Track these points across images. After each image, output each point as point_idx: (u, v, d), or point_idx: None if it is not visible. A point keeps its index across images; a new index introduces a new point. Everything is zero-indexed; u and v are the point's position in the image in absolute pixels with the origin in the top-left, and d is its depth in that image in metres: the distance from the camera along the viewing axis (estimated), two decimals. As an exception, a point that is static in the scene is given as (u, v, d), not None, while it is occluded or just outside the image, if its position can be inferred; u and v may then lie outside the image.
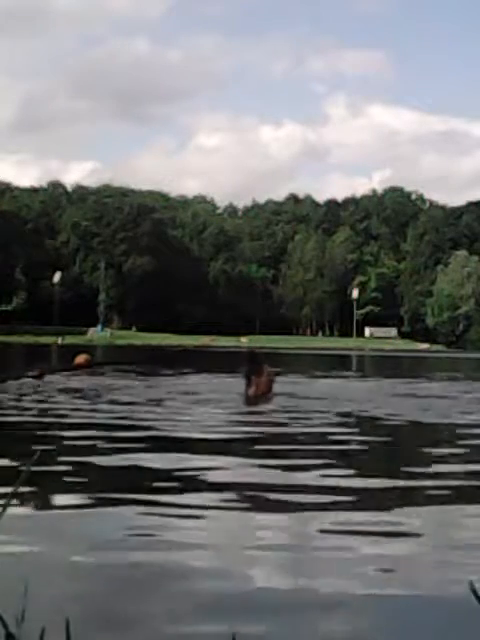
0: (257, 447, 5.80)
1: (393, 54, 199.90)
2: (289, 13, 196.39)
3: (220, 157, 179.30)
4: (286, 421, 7.40)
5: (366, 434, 6.71)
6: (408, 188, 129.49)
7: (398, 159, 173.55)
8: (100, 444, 5.61)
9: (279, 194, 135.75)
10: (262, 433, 6.64)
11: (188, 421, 7.17)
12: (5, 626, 1.47)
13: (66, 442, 5.76)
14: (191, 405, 8.82)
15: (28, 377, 12.35)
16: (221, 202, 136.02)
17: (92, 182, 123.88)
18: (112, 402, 8.91)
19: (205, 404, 8.92)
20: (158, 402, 9.02)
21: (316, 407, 8.77)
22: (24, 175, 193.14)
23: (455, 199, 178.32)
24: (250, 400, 9.45)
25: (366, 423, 7.67)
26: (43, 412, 7.56)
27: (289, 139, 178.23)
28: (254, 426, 7.05)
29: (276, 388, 10.25)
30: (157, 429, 6.49)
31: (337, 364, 30.66)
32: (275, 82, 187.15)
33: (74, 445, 5.62)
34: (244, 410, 8.68)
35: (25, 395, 9.41)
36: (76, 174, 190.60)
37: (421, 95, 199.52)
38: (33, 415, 7.27)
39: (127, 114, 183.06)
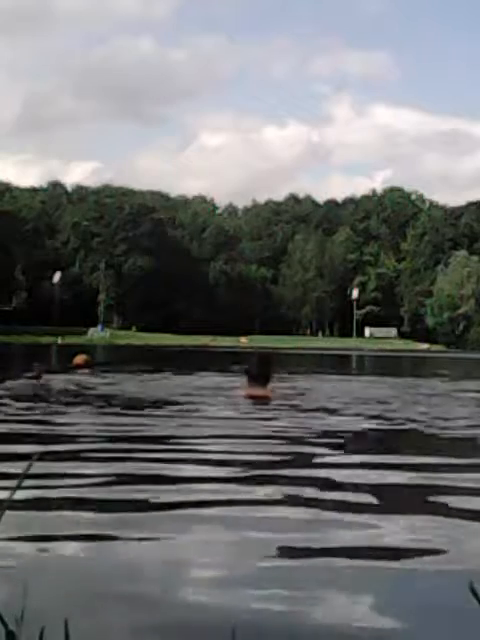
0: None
1: (397, 55, 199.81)
2: (293, 13, 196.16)
3: (224, 157, 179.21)
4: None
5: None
6: (409, 188, 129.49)
7: (401, 159, 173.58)
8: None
9: (283, 194, 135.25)
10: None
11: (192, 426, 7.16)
12: (5, 625, 1.48)
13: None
14: (191, 406, 8.81)
15: (25, 378, 12.32)
16: (223, 202, 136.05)
17: (95, 182, 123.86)
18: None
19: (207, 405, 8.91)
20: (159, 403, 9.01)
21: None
22: (26, 175, 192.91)
23: (458, 199, 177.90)
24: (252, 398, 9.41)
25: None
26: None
27: (293, 139, 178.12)
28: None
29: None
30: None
31: (336, 364, 30.64)
32: (279, 82, 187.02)
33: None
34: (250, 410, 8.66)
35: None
36: (78, 174, 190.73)
37: (424, 96, 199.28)
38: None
39: (130, 114, 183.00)
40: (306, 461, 5.12)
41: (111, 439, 5.96)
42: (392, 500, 4.04)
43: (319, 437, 6.33)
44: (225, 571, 2.82)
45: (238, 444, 5.80)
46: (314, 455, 5.38)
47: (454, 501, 3.90)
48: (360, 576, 2.77)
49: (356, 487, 4.29)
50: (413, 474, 4.73)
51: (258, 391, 9.58)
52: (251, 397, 9.47)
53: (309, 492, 4.11)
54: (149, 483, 4.31)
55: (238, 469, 4.75)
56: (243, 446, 5.74)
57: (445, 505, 3.82)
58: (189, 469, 4.71)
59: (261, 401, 9.38)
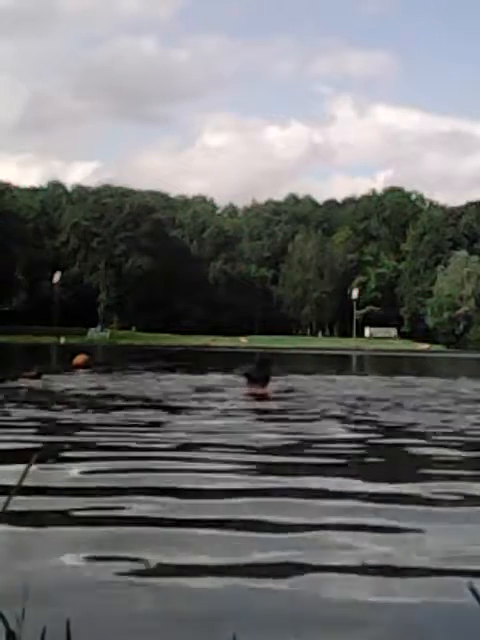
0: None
1: (398, 55, 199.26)
2: (294, 13, 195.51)
3: (225, 157, 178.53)
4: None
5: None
6: (409, 188, 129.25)
7: (402, 159, 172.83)
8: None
9: (284, 195, 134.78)
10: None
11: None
12: (6, 624, 1.48)
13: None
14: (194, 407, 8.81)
15: (25, 377, 12.32)
16: (223, 202, 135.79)
17: (95, 182, 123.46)
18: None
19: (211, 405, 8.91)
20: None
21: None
22: (27, 175, 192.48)
23: (458, 199, 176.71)
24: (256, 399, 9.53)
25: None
26: None
27: (294, 140, 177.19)
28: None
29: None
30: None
31: (336, 364, 30.61)
32: (280, 83, 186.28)
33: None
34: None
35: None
36: (79, 174, 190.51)
37: (425, 96, 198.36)
38: None
39: (131, 114, 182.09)
40: (300, 469, 5.13)
41: (110, 439, 5.96)
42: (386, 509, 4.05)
43: (312, 442, 6.33)
44: (224, 570, 2.82)
45: (236, 449, 5.81)
46: (308, 463, 5.39)
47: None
48: (357, 575, 2.78)
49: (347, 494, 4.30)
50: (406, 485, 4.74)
51: (258, 389, 9.84)
52: (251, 396, 9.67)
53: (303, 498, 4.11)
54: (148, 483, 4.31)
55: (237, 471, 4.76)
56: (240, 450, 5.75)
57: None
58: (188, 470, 4.72)
59: (261, 399, 9.47)
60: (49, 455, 4.69)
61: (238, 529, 3.30)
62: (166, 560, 2.87)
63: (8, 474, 4.14)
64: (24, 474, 1.55)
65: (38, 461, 4.12)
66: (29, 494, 3.56)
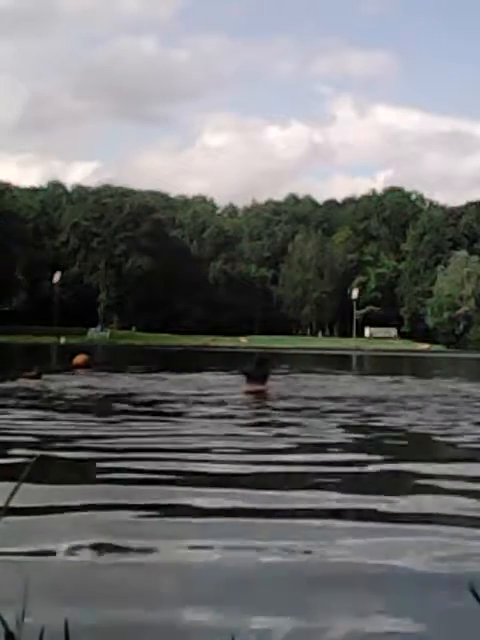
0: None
1: (398, 55, 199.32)
2: (294, 13, 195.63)
3: (225, 157, 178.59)
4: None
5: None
6: (409, 188, 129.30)
7: (403, 160, 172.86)
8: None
9: (284, 195, 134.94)
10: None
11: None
12: (5, 625, 1.48)
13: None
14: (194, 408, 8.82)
15: (25, 377, 12.34)
16: (223, 202, 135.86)
17: (95, 182, 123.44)
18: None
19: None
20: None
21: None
22: (27, 175, 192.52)
23: (458, 199, 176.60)
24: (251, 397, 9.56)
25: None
26: None
27: (295, 140, 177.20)
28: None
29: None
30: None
31: (336, 364, 30.61)
32: (280, 82, 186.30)
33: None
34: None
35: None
36: (79, 174, 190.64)
37: (425, 96, 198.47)
38: None
39: (131, 114, 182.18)
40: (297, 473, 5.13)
41: (109, 442, 5.96)
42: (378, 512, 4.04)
43: (311, 444, 6.33)
44: (225, 574, 2.82)
45: (235, 453, 5.81)
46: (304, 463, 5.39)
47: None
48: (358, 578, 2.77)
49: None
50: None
51: (257, 387, 9.95)
52: (250, 393, 9.76)
53: (299, 498, 4.11)
54: (148, 485, 4.31)
55: (234, 484, 4.75)
56: (239, 453, 5.75)
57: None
58: (186, 483, 4.70)
59: (259, 397, 9.53)
60: (43, 466, 4.67)
61: (234, 550, 3.26)
62: (159, 589, 2.81)
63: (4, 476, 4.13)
64: (15, 490, 1.52)
65: (33, 467, 4.11)
66: (21, 512, 3.51)
